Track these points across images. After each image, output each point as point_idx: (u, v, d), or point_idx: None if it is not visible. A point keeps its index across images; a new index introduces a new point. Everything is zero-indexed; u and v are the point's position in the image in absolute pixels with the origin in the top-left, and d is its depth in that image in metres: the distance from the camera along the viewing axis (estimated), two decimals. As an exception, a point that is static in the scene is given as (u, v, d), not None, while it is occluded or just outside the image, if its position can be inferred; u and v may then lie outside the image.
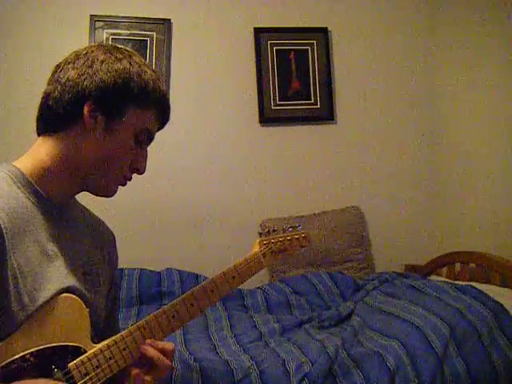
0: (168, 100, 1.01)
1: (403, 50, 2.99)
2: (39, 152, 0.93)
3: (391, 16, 2.98)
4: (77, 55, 0.96)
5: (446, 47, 2.90)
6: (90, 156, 0.92)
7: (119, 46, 0.99)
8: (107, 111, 0.91)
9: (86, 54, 0.94)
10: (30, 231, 0.87)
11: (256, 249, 1.14)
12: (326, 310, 2.17)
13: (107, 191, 0.97)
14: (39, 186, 0.91)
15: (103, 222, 1.12)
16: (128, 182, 1.00)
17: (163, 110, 1.00)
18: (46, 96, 0.95)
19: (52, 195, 0.93)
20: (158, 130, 1.03)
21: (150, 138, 1.00)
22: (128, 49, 0.99)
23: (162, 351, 0.94)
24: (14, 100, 2.59)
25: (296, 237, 1.21)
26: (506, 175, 2.48)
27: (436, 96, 2.98)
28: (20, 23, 2.60)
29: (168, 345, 0.96)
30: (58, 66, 0.98)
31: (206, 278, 2.51)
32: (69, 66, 0.94)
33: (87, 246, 1.01)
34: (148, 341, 0.94)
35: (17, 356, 0.80)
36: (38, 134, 0.97)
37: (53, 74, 0.98)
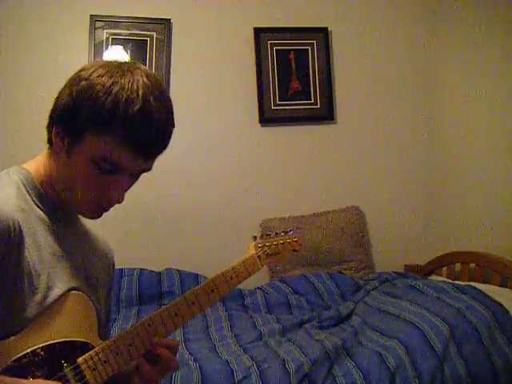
0: (146, 124, 0.85)
1: (403, 49, 2.98)
2: (44, 160, 0.95)
3: (391, 16, 2.97)
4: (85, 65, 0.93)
5: (447, 47, 2.90)
6: (59, 177, 0.92)
7: (117, 62, 0.90)
8: (69, 135, 0.88)
9: (79, 71, 0.91)
10: (40, 232, 0.89)
11: (252, 251, 1.19)
12: (326, 310, 2.17)
13: (83, 214, 0.96)
14: (44, 191, 0.94)
15: (103, 235, 1.14)
16: None
17: (132, 136, 0.85)
18: None
19: (55, 200, 0.95)
20: (144, 158, 0.88)
21: (119, 167, 0.87)
22: (132, 66, 0.89)
23: (168, 348, 0.97)
24: (14, 100, 2.58)
25: (288, 241, 1.26)
26: (505, 175, 2.48)
27: (436, 96, 2.98)
28: (20, 23, 2.60)
29: (173, 341, 0.99)
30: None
31: (206, 278, 2.51)
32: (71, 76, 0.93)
33: (88, 252, 1.04)
34: (155, 339, 0.96)
35: (28, 350, 0.82)
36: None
37: None
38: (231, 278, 1.10)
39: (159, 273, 2.48)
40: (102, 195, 0.90)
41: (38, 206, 0.91)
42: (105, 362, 0.90)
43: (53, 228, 0.92)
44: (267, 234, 1.24)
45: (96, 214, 0.95)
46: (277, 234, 1.25)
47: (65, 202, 0.95)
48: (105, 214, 0.99)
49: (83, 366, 0.87)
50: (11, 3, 2.60)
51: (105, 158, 0.86)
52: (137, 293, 2.34)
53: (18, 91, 2.59)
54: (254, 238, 1.21)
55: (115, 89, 0.84)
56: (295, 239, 1.26)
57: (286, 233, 1.26)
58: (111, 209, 0.96)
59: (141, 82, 0.86)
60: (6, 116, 2.58)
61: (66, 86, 0.90)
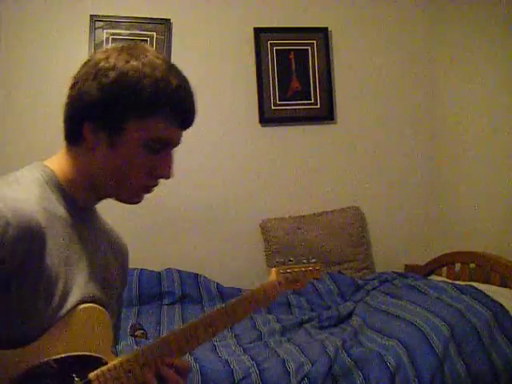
0: (184, 96, 0.90)
1: (403, 49, 2.98)
2: (64, 159, 0.93)
3: (391, 16, 2.97)
4: (90, 58, 0.91)
5: (447, 47, 2.90)
6: (102, 171, 0.90)
7: (128, 44, 0.90)
8: (108, 127, 0.87)
9: (92, 59, 0.89)
10: (62, 232, 0.87)
11: (273, 277, 1.21)
12: (326, 310, 2.17)
13: (129, 200, 0.95)
14: (67, 189, 0.91)
15: (120, 235, 1.12)
16: None
17: (177, 110, 0.89)
18: (65, 105, 0.92)
19: (78, 199, 0.93)
20: (185, 129, 0.93)
21: (167, 143, 0.91)
22: (141, 46, 0.91)
23: (178, 370, 0.95)
24: (14, 99, 2.58)
25: (310, 269, 1.28)
26: (506, 175, 2.48)
27: (436, 96, 2.98)
28: (20, 23, 2.60)
29: (184, 363, 0.98)
30: (78, 71, 0.92)
31: (206, 278, 2.51)
32: (81, 71, 0.90)
33: (106, 254, 1.01)
34: (167, 360, 0.95)
35: (42, 361, 0.81)
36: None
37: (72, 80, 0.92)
38: (250, 303, 1.12)
39: (159, 273, 2.48)
40: (153, 175, 0.92)
41: (62, 206, 0.89)
42: (116, 379, 0.88)
43: (76, 228, 0.90)
44: (289, 260, 1.26)
45: (142, 198, 0.95)
46: (299, 260, 1.27)
47: (100, 194, 0.94)
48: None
49: (94, 382, 0.85)
50: (11, 3, 2.60)
51: (156, 138, 0.88)
52: (137, 293, 2.34)
53: (18, 91, 2.59)
54: (277, 263, 1.23)
55: (148, 70, 0.86)
56: (317, 267, 1.29)
57: (308, 260, 1.28)
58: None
59: (161, 56, 0.89)
60: (6, 116, 2.58)
61: (86, 80, 0.86)
